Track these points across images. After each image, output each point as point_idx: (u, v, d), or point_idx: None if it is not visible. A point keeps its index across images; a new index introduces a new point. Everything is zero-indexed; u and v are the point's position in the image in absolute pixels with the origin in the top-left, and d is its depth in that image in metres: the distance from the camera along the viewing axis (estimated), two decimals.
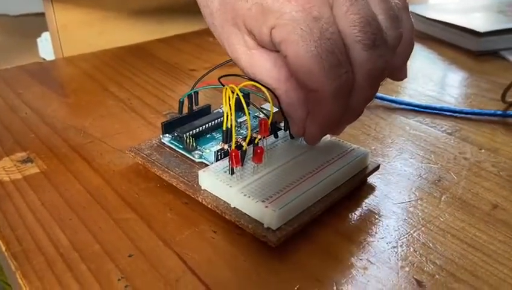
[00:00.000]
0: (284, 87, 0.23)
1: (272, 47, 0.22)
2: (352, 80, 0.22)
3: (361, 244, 0.23)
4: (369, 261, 0.22)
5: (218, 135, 0.30)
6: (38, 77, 0.43)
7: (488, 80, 0.43)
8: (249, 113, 0.31)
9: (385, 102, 0.38)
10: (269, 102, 0.23)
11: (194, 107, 0.30)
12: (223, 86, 0.24)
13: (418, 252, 0.23)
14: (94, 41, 0.50)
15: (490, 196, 0.27)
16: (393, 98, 0.38)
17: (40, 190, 0.27)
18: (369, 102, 0.24)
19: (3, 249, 0.23)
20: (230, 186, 0.24)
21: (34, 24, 0.65)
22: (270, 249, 0.22)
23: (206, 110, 0.31)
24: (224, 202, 0.24)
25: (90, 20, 0.50)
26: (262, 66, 0.23)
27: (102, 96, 0.39)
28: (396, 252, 0.23)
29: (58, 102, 0.38)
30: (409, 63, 0.25)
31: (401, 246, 0.23)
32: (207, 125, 0.29)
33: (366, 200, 0.26)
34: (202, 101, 0.30)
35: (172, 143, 0.29)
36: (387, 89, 0.40)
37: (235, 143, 0.24)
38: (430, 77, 0.44)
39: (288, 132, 0.26)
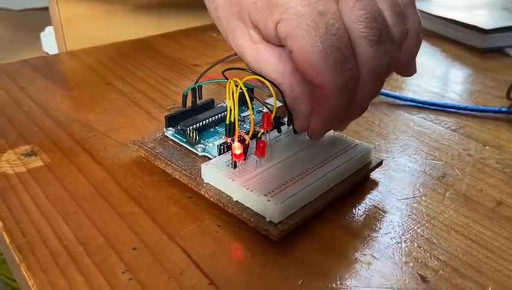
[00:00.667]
0: (288, 81, 0.23)
1: (277, 41, 0.22)
2: (357, 76, 0.22)
3: (365, 239, 0.23)
4: (373, 256, 0.22)
5: (222, 129, 0.30)
6: (42, 70, 0.43)
7: (493, 77, 0.43)
8: (253, 107, 0.31)
9: (389, 98, 0.38)
10: (273, 97, 0.23)
11: (198, 101, 0.30)
12: (227, 79, 0.24)
13: (422, 248, 0.23)
14: (98, 35, 0.50)
15: (495, 193, 0.27)
16: (397, 94, 0.38)
17: (44, 183, 0.27)
18: (373, 98, 0.24)
19: (8, 241, 0.23)
20: (233, 180, 0.24)
21: (37, 18, 0.65)
22: (273, 243, 0.22)
23: (209, 104, 0.31)
24: (227, 195, 0.24)
25: (94, 14, 0.50)
26: (267, 60, 0.23)
27: (105, 91, 0.39)
28: (400, 248, 0.23)
29: (62, 96, 0.38)
30: None
31: (405, 241, 0.23)
32: (210, 119, 0.29)
33: (369, 196, 0.26)
34: (205, 96, 0.30)
35: (175, 136, 0.29)
36: (391, 86, 0.40)
37: (238, 137, 0.24)
38: (434, 74, 0.44)
39: (291, 126, 0.26)
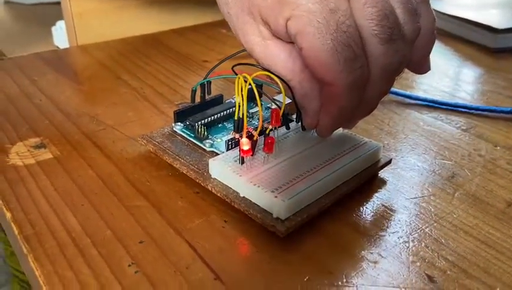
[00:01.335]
0: (298, 78, 0.23)
1: (287, 38, 0.22)
2: (367, 74, 0.22)
3: (372, 238, 0.23)
4: (380, 255, 0.22)
5: (230, 125, 0.30)
6: (53, 64, 0.43)
7: (505, 78, 0.42)
8: (261, 104, 0.31)
9: (399, 97, 0.38)
10: (282, 93, 0.23)
11: (207, 97, 0.30)
12: (236, 75, 0.24)
13: (429, 248, 0.22)
14: (108, 30, 0.50)
15: (505, 194, 0.26)
16: (407, 93, 0.37)
17: (53, 175, 0.27)
18: (383, 96, 0.24)
19: (16, 232, 0.23)
20: (240, 176, 0.24)
21: (49, 12, 0.65)
22: (280, 240, 0.22)
23: (218, 100, 0.31)
24: (234, 191, 0.24)
25: (105, 9, 0.50)
26: (277, 56, 0.23)
27: (115, 85, 0.39)
28: (407, 247, 0.22)
29: (72, 89, 0.38)
30: None
31: (412, 241, 0.23)
32: (219, 114, 0.29)
33: (377, 194, 0.26)
34: (214, 91, 0.30)
35: (184, 132, 0.29)
36: (401, 84, 0.40)
37: (246, 133, 0.24)
38: (445, 73, 0.44)
39: (300, 123, 0.26)
